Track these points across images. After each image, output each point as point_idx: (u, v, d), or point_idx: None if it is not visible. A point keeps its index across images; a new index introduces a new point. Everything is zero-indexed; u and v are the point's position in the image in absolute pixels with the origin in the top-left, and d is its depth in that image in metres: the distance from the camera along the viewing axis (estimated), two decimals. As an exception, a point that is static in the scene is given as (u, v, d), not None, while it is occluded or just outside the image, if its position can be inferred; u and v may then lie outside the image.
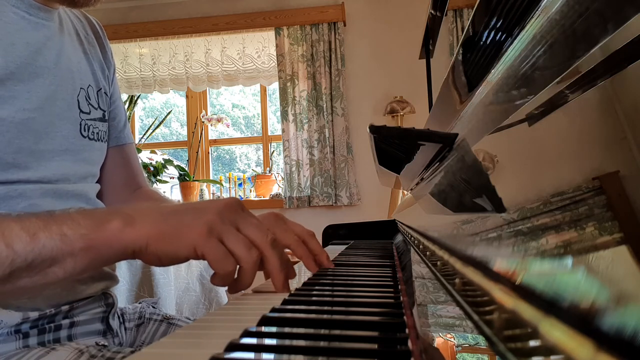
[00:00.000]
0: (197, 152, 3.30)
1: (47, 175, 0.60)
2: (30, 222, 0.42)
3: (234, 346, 0.27)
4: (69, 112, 0.65)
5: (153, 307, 0.81)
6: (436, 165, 0.53)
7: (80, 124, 0.67)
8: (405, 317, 0.32)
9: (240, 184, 3.26)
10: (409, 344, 0.26)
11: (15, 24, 0.57)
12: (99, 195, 0.73)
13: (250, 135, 4.76)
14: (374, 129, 0.50)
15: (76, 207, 0.45)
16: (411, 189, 0.91)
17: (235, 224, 0.45)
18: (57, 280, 0.43)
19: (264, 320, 0.32)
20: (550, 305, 0.12)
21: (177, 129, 4.70)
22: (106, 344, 0.62)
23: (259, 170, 3.33)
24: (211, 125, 3.17)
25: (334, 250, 0.91)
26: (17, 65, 0.57)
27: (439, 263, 0.31)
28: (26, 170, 0.57)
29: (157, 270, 1.59)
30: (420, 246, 0.45)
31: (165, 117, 3.30)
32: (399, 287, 0.46)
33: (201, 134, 3.30)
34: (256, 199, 3.15)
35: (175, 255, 0.43)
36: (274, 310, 0.36)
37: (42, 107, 0.60)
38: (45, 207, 0.59)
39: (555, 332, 0.11)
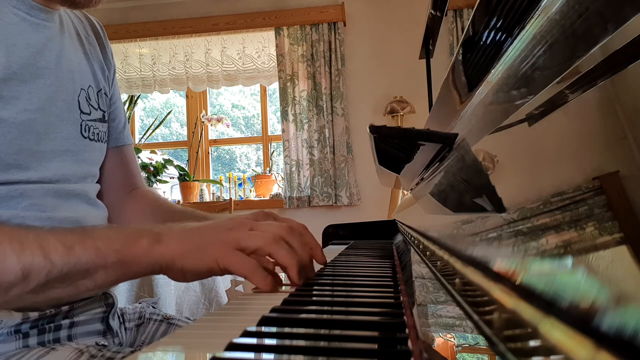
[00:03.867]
0: (197, 152, 3.30)
1: (48, 175, 0.60)
2: (65, 235, 0.44)
3: (234, 346, 0.27)
4: (70, 113, 0.65)
5: (153, 307, 0.81)
6: (436, 165, 0.53)
7: (81, 125, 0.67)
8: (405, 317, 0.32)
9: (240, 184, 3.26)
10: (409, 344, 0.26)
11: (16, 24, 0.57)
12: (98, 195, 0.74)
13: (250, 135, 4.76)
14: (374, 129, 0.50)
15: (107, 224, 0.48)
16: (411, 189, 0.91)
17: (251, 228, 0.49)
18: (86, 291, 0.47)
19: (264, 320, 0.32)
20: (550, 305, 0.12)
21: (177, 129, 4.70)
22: (106, 344, 0.62)
23: (259, 170, 3.33)
24: (211, 125, 3.17)
25: (334, 250, 0.91)
26: (19, 66, 0.57)
27: (439, 263, 0.31)
28: (27, 171, 0.57)
29: (157, 270, 1.58)
30: (420, 246, 0.45)
31: (165, 117, 3.31)
32: (399, 287, 0.46)
33: (201, 134, 3.30)
34: (256, 199, 3.15)
35: (199, 270, 0.47)
36: (273, 310, 0.36)
37: (43, 107, 0.60)
38: (47, 207, 0.59)
39: (555, 332, 0.11)
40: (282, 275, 0.62)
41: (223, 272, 0.47)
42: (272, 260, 0.49)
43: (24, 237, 0.42)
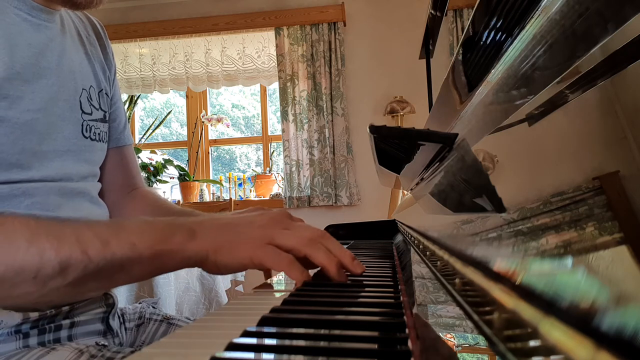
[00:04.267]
0: (197, 152, 3.30)
1: (50, 174, 0.60)
2: (101, 230, 0.44)
3: (234, 346, 0.27)
4: (71, 113, 0.65)
5: (153, 307, 0.81)
6: (436, 165, 0.53)
7: (82, 125, 0.67)
8: (405, 317, 0.32)
9: (240, 184, 3.26)
10: (409, 344, 0.26)
11: (17, 25, 0.57)
12: (99, 194, 0.74)
13: (250, 135, 4.76)
14: (374, 129, 0.50)
15: (141, 218, 0.49)
16: (411, 189, 0.91)
17: (285, 227, 0.49)
18: (121, 285, 0.47)
19: (264, 321, 0.32)
20: (550, 305, 0.12)
21: (177, 129, 4.70)
22: (106, 344, 0.62)
23: (259, 170, 3.33)
24: (211, 125, 3.17)
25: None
26: (21, 66, 0.57)
27: (439, 263, 0.31)
28: (29, 170, 0.57)
29: (157, 270, 1.58)
30: (420, 246, 0.45)
31: (165, 117, 3.30)
32: (399, 287, 0.46)
33: (201, 134, 3.30)
34: (256, 199, 3.15)
35: (233, 266, 0.48)
36: (273, 310, 0.36)
37: (45, 108, 0.60)
38: (50, 205, 0.59)
39: (555, 332, 0.11)
40: (282, 276, 0.62)
41: (257, 267, 0.47)
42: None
43: (62, 231, 0.43)
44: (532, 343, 0.12)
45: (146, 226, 0.47)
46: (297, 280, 0.47)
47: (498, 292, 0.16)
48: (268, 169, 3.24)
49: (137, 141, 3.15)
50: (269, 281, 0.56)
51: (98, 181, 0.74)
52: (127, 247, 0.44)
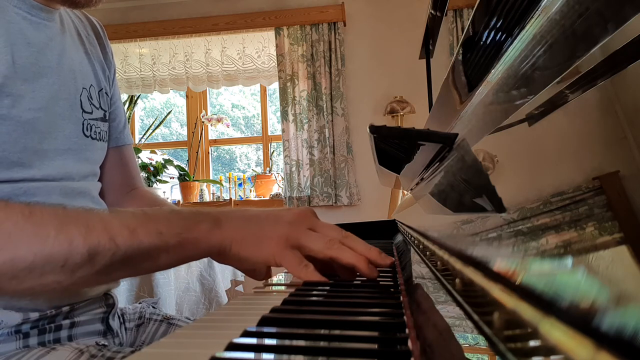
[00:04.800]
0: (197, 152, 3.30)
1: (51, 173, 0.60)
2: (128, 218, 0.45)
3: (234, 346, 0.27)
4: (72, 112, 0.65)
5: (153, 307, 0.81)
6: (436, 165, 0.53)
7: (83, 124, 0.67)
8: (405, 317, 0.32)
9: (240, 184, 3.26)
10: (409, 344, 0.26)
11: (17, 24, 0.57)
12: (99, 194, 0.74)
13: (250, 135, 4.76)
14: (374, 129, 0.50)
15: (167, 207, 0.49)
16: (411, 189, 0.91)
17: (311, 227, 0.50)
18: (147, 273, 0.48)
19: (264, 321, 0.32)
20: (550, 305, 0.12)
21: (177, 129, 4.70)
22: (106, 344, 0.62)
23: (259, 170, 3.33)
24: (211, 125, 3.17)
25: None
26: (21, 65, 0.57)
27: (439, 263, 0.30)
28: (30, 169, 0.57)
29: (157, 270, 1.58)
30: (420, 246, 0.45)
31: (165, 117, 3.31)
32: (399, 287, 0.46)
33: (201, 134, 3.30)
34: (256, 199, 3.15)
35: (254, 260, 0.48)
36: (273, 310, 0.36)
37: (46, 106, 0.60)
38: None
39: (555, 332, 0.11)
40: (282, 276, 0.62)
41: (277, 266, 0.48)
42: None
43: (89, 219, 0.43)
44: (532, 343, 0.12)
45: (172, 215, 0.47)
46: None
47: (498, 292, 0.16)
48: (268, 169, 3.24)
49: (137, 141, 3.15)
50: (269, 281, 0.56)
51: (98, 181, 0.74)
52: (154, 235, 0.44)
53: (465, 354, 0.20)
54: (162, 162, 2.95)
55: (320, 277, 0.47)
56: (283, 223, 0.49)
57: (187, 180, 3.12)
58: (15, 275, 0.40)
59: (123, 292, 1.51)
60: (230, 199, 3.04)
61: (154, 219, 0.46)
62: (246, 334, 0.29)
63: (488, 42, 0.37)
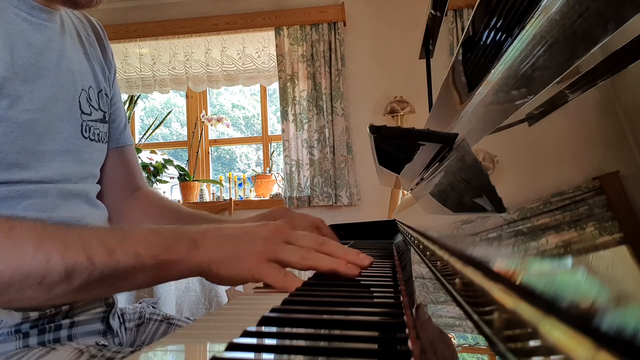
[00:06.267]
0: (197, 152, 3.30)
1: (49, 175, 0.60)
2: (106, 237, 0.45)
3: (234, 346, 0.27)
4: (70, 113, 0.65)
5: (153, 307, 0.81)
6: (436, 165, 0.53)
7: (82, 125, 0.67)
8: (405, 317, 0.32)
9: (240, 184, 3.26)
10: (409, 344, 0.26)
11: (17, 25, 0.57)
12: (99, 196, 0.74)
13: (250, 135, 4.76)
14: (374, 129, 0.50)
15: (146, 226, 0.49)
16: (411, 189, 0.91)
17: (286, 240, 0.50)
18: (124, 291, 0.49)
19: (264, 320, 0.32)
20: (550, 305, 0.12)
21: (177, 129, 4.70)
22: (106, 343, 0.62)
23: (259, 170, 3.33)
24: (211, 125, 3.17)
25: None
26: (21, 66, 0.57)
27: (439, 263, 0.31)
28: (28, 170, 0.57)
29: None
30: (420, 246, 0.45)
31: (165, 117, 3.31)
32: (399, 287, 0.46)
33: (201, 134, 3.29)
34: (256, 199, 3.15)
35: (234, 279, 0.49)
36: (273, 310, 0.36)
37: (45, 108, 0.60)
38: (47, 207, 0.59)
39: (555, 332, 0.11)
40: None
41: (257, 281, 0.48)
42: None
43: (68, 237, 0.43)
44: (532, 343, 0.12)
45: (150, 235, 0.47)
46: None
47: (498, 292, 0.16)
48: (268, 169, 3.24)
49: (137, 141, 3.15)
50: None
51: (98, 183, 0.74)
52: (131, 256, 0.45)
53: (466, 354, 0.20)
54: (162, 162, 2.95)
55: (300, 281, 0.47)
56: (259, 240, 0.49)
57: (187, 180, 3.12)
58: None
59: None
60: (230, 199, 3.04)
61: (132, 238, 0.46)
62: (246, 334, 0.29)
63: (488, 42, 0.37)
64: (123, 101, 0.87)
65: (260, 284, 0.53)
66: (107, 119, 0.74)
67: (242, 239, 0.50)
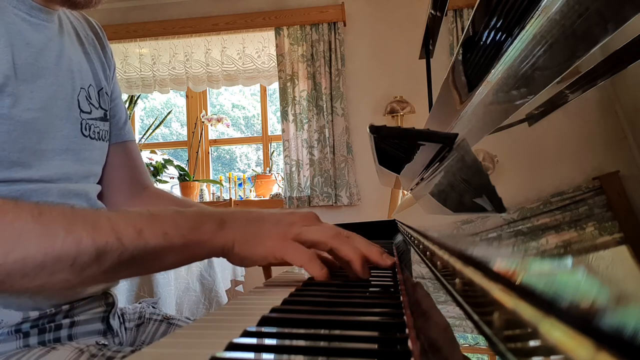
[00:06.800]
0: (197, 152, 3.30)
1: (49, 174, 0.60)
2: (135, 219, 0.46)
3: (234, 346, 0.27)
4: (70, 112, 0.65)
5: (153, 307, 0.81)
6: (436, 165, 0.53)
7: (81, 124, 0.67)
8: (405, 317, 0.32)
9: (240, 184, 3.26)
10: (409, 344, 0.26)
11: (16, 25, 0.57)
12: (101, 195, 0.73)
13: (250, 135, 4.75)
14: (374, 129, 0.50)
15: (172, 208, 0.50)
16: (411, 189, 0.91)
17: (311, 224, 0.51)
18: (153, 272, 0.50)
19: (264, 321, 0.32)
20: (550, 305, 0.12)
21: (177, 129, 4.69)
22: (106, 343, 0.62)
23: (259, 170, 3.33)
24: (211, 125, 3.17)
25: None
26: (20, 65, 0.57)
27: (439, 263, 0.30)
28: (29, 169, 0.57)
29: (157, 270, 1.58)
30: (420, 246, 0.45)
31: (165, 117, 3.30)
32: (399, 287, 0.46)
33: (201, 134, 3.30)
34: (256, 199, 3.15)
35: (256, 258, 0.49)
36: (273, 310, 0.36)
37: (45, 107, 0.60)
38: None
39: (555, 332, 0.11)
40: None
41: (278, 262, 0.48)
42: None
43: (97, 219, 0.44)
44: (532, 343, 0.12)
45: (177, 215, 0.48)
46: (315, 276, 0.48)
47: (498, 292, 0.16)
48: (268, 169, 3.24)
49: (137, 141, 3.14)
50: (268, 281, 0.56)
51: (102, 182, 0.74)
52: (160, 236, 0.45)
53: (466, 354, 0.20)
54: (162, 162, 2.95)
55: (319, 263, 0.47)
56: (284, 223, 0.50)
57: (187, 180, 3.12)
58: (26, 274, 0.40)
59: (123, 292, 1.51)
60: (230, 199, 3.04)
61: (159, 219, 0.47)
62: (246, 334, 0.29)
63: (488, 42, 0.37)
64: (123, 101, 0.86)
65: (261, 284, 0.53)
66: (107, 117, 0.74)
67: (268, 221, 0.51)
